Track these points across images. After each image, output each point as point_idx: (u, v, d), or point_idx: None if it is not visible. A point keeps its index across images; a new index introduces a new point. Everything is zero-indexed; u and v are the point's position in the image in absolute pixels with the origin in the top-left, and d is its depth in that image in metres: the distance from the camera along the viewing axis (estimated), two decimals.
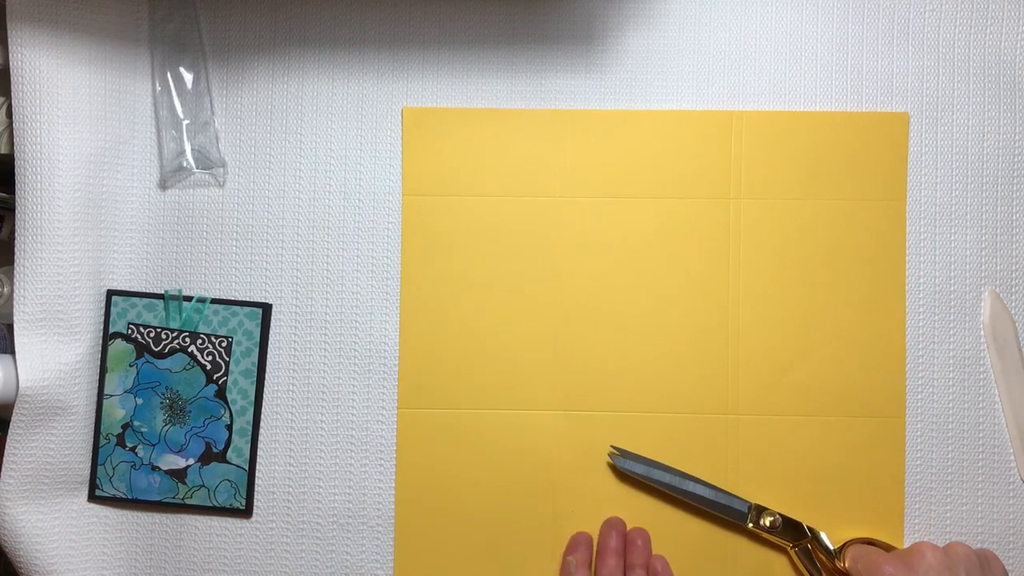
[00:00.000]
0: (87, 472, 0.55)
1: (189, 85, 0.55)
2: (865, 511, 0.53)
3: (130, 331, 0.55)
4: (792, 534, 0.52)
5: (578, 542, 0.52)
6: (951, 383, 0.54)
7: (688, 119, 0.54)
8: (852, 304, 0.53)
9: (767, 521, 0.52)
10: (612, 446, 0.53)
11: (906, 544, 0.53)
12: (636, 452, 0.53)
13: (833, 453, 0.53)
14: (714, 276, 0.54)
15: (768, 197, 0.54)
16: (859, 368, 0.53)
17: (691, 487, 0.52)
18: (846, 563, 0.50)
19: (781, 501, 0.53)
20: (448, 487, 0.54)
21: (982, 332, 0.54)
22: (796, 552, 0.51)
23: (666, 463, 0.53)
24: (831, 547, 0.51)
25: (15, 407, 0.51)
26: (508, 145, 0.55)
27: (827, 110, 0.54)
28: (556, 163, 0.54)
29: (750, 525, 0.52)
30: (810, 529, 0.52)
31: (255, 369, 0.54)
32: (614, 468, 0.53)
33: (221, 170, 0.55)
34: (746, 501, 0.52)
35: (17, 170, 0.52)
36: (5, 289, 0.55)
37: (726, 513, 0.52)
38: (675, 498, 0.52)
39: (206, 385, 0.54)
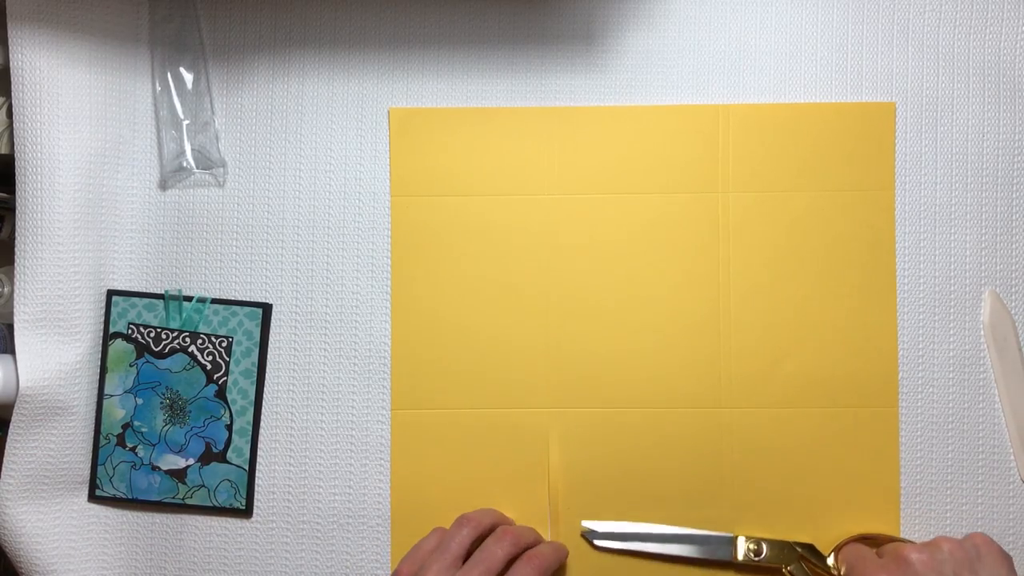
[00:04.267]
0: (87, 472, 0.55)
1: (189, 85, 0.55)
2: (861, 503, 0.53)
3: (130, 331, 0.55)
4: (781, 555, 0.51)
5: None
6: (950, 383, 0.54)
7: (675, 113, 0.54)
8: (842, 294, 0.53)
9: (751, 549, 0.51)
10: (583, 524, 0.53)
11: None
12: (610, 521, 0.53)
13: (827, 445, 0.53)
14: (704, 270, 0.54)
15: (757, 190, 0.54)
16: (851, 358, 0.53)
17: (670, 548, 0.52)
18: (841, 570, 0.50)
19: (775, 496, 0.53)
20: (443, 487, 0.54)
21: (982, 332, 0.54)
22: (789, 572, 0.51)
23: (643, 521, 0.53)
24: (823, 554, 0.51)
25: (15, 407, 0.51)
26: (495, 144, 0.55)
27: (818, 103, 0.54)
28: (544, 160, 0.54)
29: (740, 558, 0.51)
30: (799, 544, 0.51)
31: (255, 369, 0.54)
32: (589, 543, 0.53)
33: (221, 170, 0.55)
34: (727, 535, 0.52)
35: (17, 170, 0.52)
36: (5, 289, 0.55)
37: (712, 555, 0.52)
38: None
39: (206, 385, 0.54)
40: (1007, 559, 0.46)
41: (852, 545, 0.51)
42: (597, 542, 0.53)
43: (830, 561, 0.51)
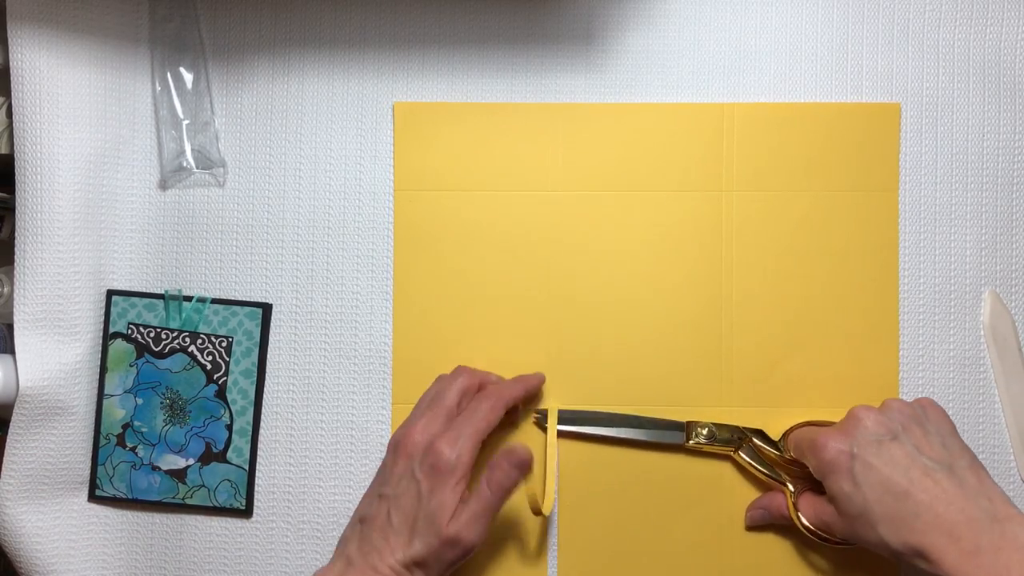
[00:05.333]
0: (87, 472, 0.55)
1: (189, 85, 0.55)
2: None
3: (130, 331, 0.55)
4: (732, 439, 0.52)
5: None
6: (951, 383, 0.54)
7: (679, 112, 0.54)
8: (845, 295, 0.54)
9: (702, 434, 0.52)
10: (535, 410, 0.53)
11: None
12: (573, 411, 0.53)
13: None
14: (706, 269, 0.54)
15: (760, 189, 0.54)
16: (852, 357, 0.53)
17: (622, 432, 0.52)
18: (791, 450, 0.50)
19: None
20: None
21: (982, 332, 0.54)
22: (740, 455, 0.52)
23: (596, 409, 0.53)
24: (774, 439, 0.51)
25: (15, 407, 0.51)
26: (500, 139, 0.55)
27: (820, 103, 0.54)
28: (548, 157, 0.54)
29: (690, 443, 0.52)
30: (749, 429, 0.52)
31: (255, 369, 0.54)
32: (538, 424, 0.53)
33: (221, 170, 0.55)
34: (679, 420, 0.52)
35: (17, 170, 0.52)
36: (5, 289, 0.55)
37: (664, 439, 0.52)
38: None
39: (206, 385, 0.54)
40: (951, 422, 0.47)
41: (803, 428, 0.51)
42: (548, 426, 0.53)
43: (781, 446, 0.51)
